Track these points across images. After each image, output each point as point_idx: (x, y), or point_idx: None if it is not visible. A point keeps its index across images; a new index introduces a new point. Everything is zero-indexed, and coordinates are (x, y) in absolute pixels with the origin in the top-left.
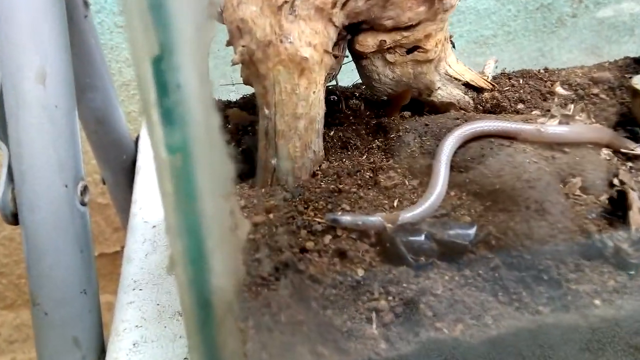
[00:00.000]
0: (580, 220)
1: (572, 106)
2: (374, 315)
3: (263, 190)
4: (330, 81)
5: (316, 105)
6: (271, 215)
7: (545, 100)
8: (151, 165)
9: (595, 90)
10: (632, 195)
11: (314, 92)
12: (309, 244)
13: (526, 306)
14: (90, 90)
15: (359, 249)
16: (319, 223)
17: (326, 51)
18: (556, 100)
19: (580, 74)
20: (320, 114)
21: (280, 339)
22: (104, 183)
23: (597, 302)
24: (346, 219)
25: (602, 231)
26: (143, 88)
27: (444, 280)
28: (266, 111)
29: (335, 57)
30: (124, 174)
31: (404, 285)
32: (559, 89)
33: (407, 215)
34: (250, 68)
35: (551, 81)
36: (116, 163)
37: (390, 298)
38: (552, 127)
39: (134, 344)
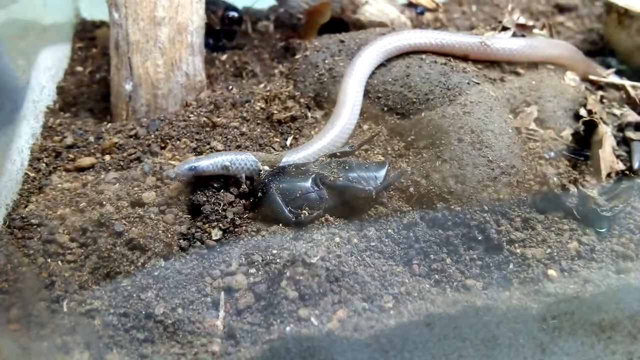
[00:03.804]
0: (533, 160)
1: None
2: (222, 296)
3: (109, 125)
4: None
5: (187, 9)
6: (107, 157)
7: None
8: None
9: (561, 19)
10: (603, 130)
11: None
12: (148, 196)
13: (449, 279)
14: None
15: (221, 201)
16: (175, 167)
17: None
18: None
19: (544, 2)
20: (195, 22)
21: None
22: None
23: (552, 273)
24: (204, 164)
25: (563, 175)
26: None
27: (333, 244)
28: (115, 15)
29: None
30: None
31: (275, 251)
32: (517, 18)
33: (295, 156)
34: None
35: (510, 9)
36: None
37: (252, 271)
38: (502, 41)
39: None
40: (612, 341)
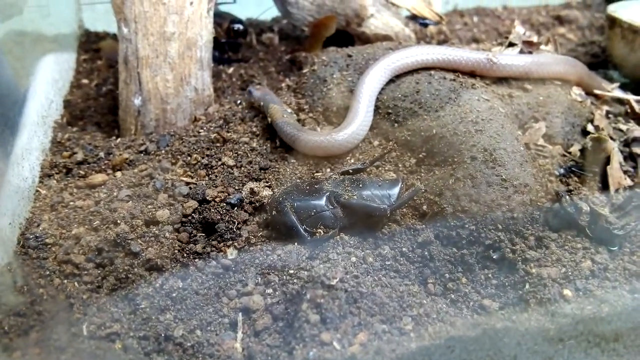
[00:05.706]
0: (544, 177)
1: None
2: (240, 317)
3: (118, 140)
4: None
5: (196, 24)
6: (118, 174)
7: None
8: None
9: (562, 30)
10: (611, 146)
11: (191, 4)
12: (162, 214)
13: (466, 299)
14: None
15: (235, 218)
16: (187, 184)
17: None
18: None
19: (544, 13)
20: (204, 37)
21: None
22: None
23: (567, 293)
24: (257, 94)
25: (574, 192)
26: None
27: (350, 264)
28: (124, 30)
29: None
30: None
31: (292, 271)
32: (518, 29)
33: (307, 136)
34: None
35: (510, 20)
36: None
37: (269, 291)
38: (509, 57)
39: None
40: (616, 353)
